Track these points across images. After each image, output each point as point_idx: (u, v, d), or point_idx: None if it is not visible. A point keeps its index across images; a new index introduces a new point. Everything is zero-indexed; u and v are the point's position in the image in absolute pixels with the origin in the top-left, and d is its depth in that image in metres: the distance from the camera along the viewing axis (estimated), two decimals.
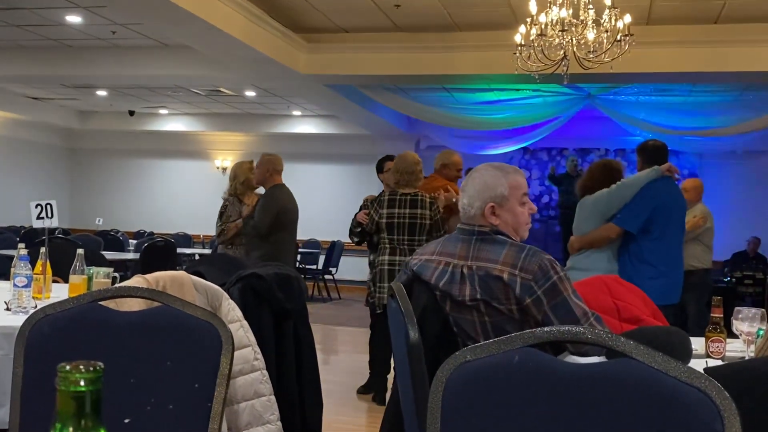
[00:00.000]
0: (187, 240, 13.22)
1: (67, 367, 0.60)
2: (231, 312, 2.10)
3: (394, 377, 5.32)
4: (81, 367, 0.60)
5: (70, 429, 0.60)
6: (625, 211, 4.15)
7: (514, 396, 1.14)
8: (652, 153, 4.36)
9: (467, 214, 2.31)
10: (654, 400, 1.05)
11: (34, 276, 2.87)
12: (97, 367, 0.61)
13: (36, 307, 2.58)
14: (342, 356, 7.32)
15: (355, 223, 5.35)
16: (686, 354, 2.22)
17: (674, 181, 4.35)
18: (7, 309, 2.71)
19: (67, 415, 0.60)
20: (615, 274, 4.08)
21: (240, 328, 2.08)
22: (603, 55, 5.63)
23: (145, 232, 13.96)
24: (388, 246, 4.99)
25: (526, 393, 1.12)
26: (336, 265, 12.77)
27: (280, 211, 5.37)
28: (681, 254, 4.36)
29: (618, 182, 4.25)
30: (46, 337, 1.56)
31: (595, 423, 1.09)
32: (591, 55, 5.65)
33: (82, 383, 0.60)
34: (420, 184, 5.06)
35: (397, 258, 4.93)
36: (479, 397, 1.16)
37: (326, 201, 13.61)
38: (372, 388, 5.19)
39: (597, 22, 5.57)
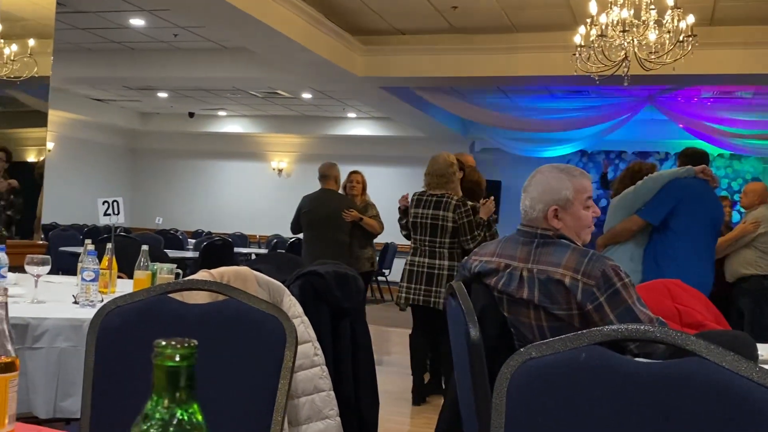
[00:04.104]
0: (243, 240, 13.41)
1: (163, 343, 0.64)
2: (292, 307, 2.12)
3: (440, 378, 5.31)
4: (175, 343, 0.64)
5: (166, 401, 0.64)
6: (648, 204, 4.20)
7: (580, 394, 1.13)
8: (692, 157, 4.41)
9: (528, 216, 2.28)
10: (724, 400, 1.04)
11: (101, 271, 2.95)
12: (192, 344, 0.64)
13: (102, 301, 2.66)
14: (395, 357, 7.34)
15: (400, 215, 5.34)
16: (752, 359, 2.17)
17: (709, 184, 4.29)
18: (75, 302, 2.80)
19: (163, 388, 0.63)
20: (638, 275, 4.08)
21: (301, 324, 2.11)
22: (665, 56, 5.53)
23: (203, 231, 14.21)
24: (413, 246, 5.03)
25: (593, 391, 1.12)
26: (389, 267, 12.80)
27: (299, 212, 6.23)
28: (708, 256, 4.31)
29: (646, 176, 4.27)
30: (117, 328, 1.61)
31: (663, 422, 1.07)
32: (652, 56, 5.56)
33: (177, 358, 0.64)
34: (453, 186, 5.02)
35: (417, 258, 4.93)
36: (544, 394, 1.16)
37: (380, 203, 13.54)
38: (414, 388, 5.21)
39: (659, 23, 5.47)
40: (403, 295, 4.94)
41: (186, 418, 0.63)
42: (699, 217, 4.22)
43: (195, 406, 0.65)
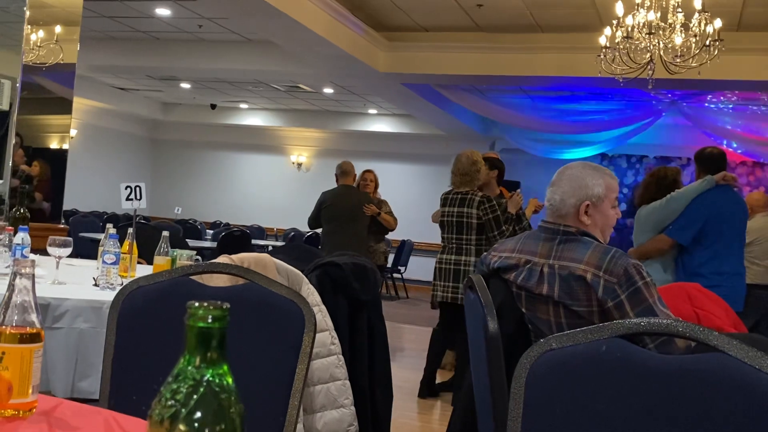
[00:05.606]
0: (260, 232, 13.46)
1: (196, 304, 0.65)
2: (311, 296, 2.13)
3: (448, 376, 5.29)
4: (208, 304, 0.65)
5: (197, 360, 0.65)
6: (676, 223, 4.13)
7: (600, 386, 1.13)
8: (708, 160, 4.31)
9: (557, 212, 2.27)
10: (746, 395, 1.03)
11: (121, 255, 2.97)
12: (225, 306, 0.65)
13: (122, 284, 2.68)
14: (408, 353, 7.34)
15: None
16: None
17: (732, 189, 4.23)
18: (96, 285, 2.82)
19: (194, 348, 0.65)
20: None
21: (319, 312, 2.12)
22: (690, 60, 5.49)
23: (221, 222, 14.27)
24: (442, 245, 5.09)
25: (613, 383, 1.12)
26: (405, 264, 12.80)
27: (321, 206, 6.43)
28: (740, 262, 4.26)
29: (670, 194, 4.20)
30: (138, 308, 1.62)
31: (683, 415, 1.07)
32: (678, 60, 5.52)
33: (209, 320, 0.65)
34: (479, 183, 5.03)
35: (445, 256, 4.99)
36: (563, 385, 1.16)
37: (398, 200, 13.61)
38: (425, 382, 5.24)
39: (686, 26, 5.43)
40: (436, 293, 5.00)
41: (216, 380, 0.65)
42: (728, 229, 4.18)
43: (225, 367, 0.66)
